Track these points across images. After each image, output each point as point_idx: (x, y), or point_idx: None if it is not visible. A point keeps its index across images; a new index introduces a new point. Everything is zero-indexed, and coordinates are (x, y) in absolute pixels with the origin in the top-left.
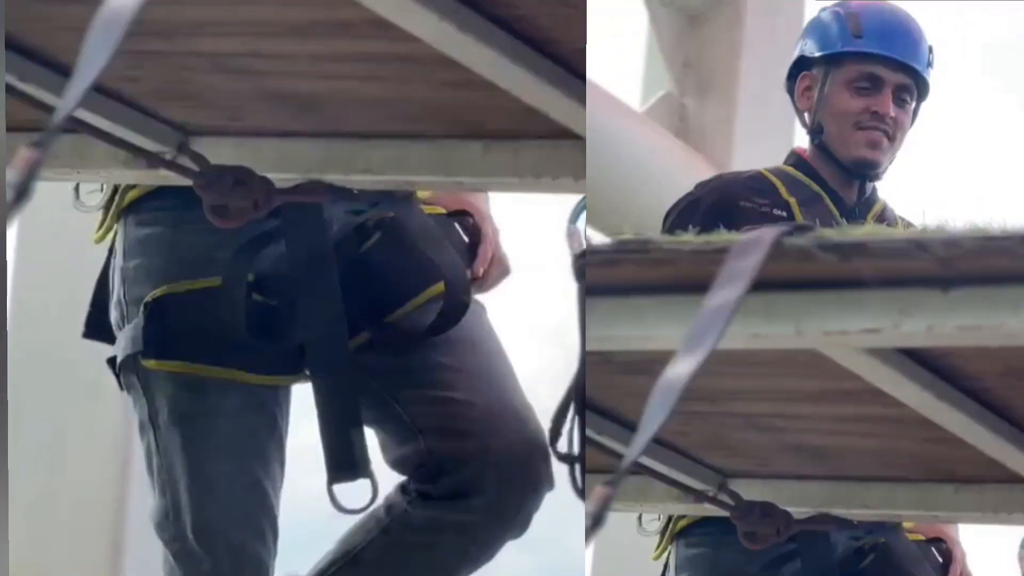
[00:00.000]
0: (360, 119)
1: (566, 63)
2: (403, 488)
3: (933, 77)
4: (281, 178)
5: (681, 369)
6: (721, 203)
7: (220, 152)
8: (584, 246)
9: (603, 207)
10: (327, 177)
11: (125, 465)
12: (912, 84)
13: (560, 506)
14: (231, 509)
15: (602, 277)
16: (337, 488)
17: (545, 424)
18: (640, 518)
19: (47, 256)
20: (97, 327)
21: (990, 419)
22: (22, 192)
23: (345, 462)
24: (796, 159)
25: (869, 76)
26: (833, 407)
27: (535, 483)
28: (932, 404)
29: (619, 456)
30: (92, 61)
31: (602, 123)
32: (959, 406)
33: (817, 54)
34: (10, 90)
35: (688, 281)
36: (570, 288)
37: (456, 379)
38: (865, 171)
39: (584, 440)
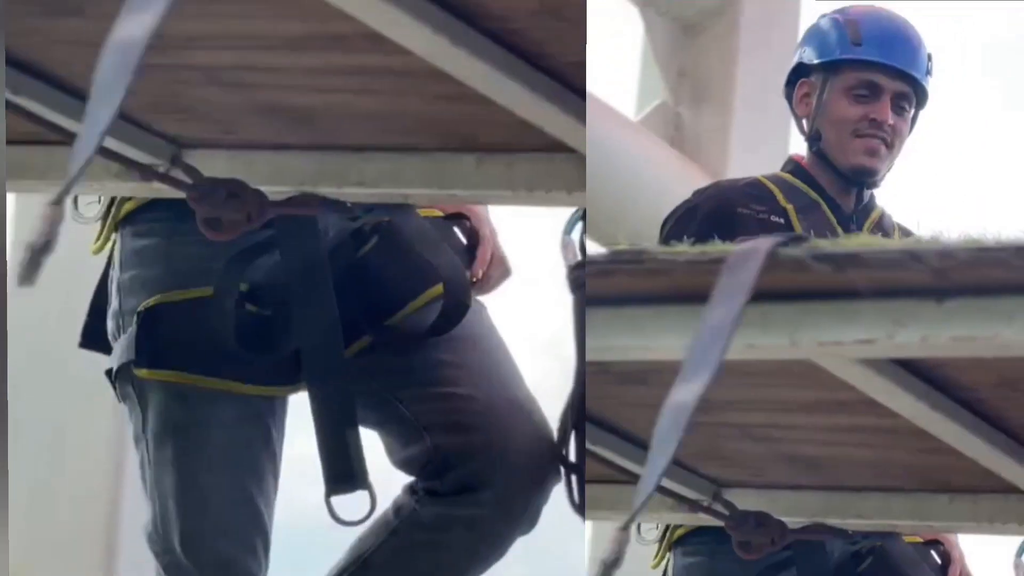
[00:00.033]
0: (354, 132)
1: (560, 76)
2: (411, 488)
3: (932, 84)
4: (274, 191)
5: (686, 395)
6: (719, 210)
7: (213, 165)
8: (579, 257)
9: (598, 217)
10: (320, 190)
11: (119, 471)
12: (911, 92)
13: (559, 517)
14: (221, 522)
15: (598, 287)
16: (335, 500)
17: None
18: (639, 527)
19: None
20: (94, 336)
21: (985, 429)
22: (46, 246)
23: (343, 473)
24: (794, 166)
25: (868, 84)
26: (828, 417)
27: (542, 475)
28: (927, 414)
29: (614, 467)
30: (107, 97)
31: (597, 133)
32: (954, 416)
33: (816, 61)
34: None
35: (684, 291)
36: (565, 299)
37: (458, 375)
38: (863, 178)
39: (583, 452)
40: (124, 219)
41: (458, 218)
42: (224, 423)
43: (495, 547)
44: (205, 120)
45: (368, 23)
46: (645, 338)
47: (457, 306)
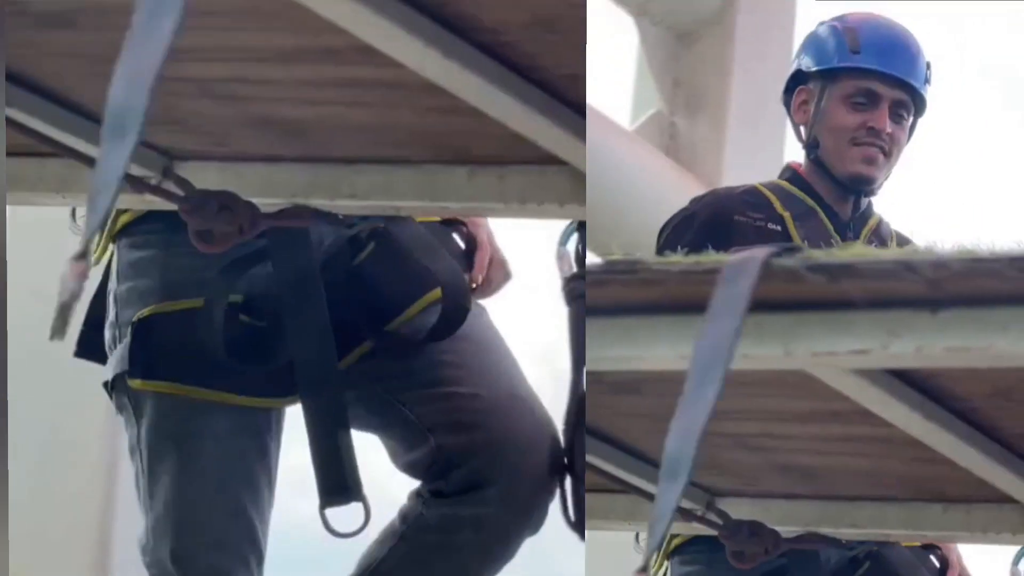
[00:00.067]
0: (346, 144)
1: (552, 89)
2: (416, 494)
3: (930, 93)
4: (266, 203)
5: (693, 422)
6: (716, 218)
7: (205, 177)
8: (574, 269)
9: (592, 226)
10: (312, 202)
11: (111, 480)
12: (909, 100)
13: (557, 530)
14: (214, 535)
15: (592, 298)
16: (330, 512)
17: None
18: (637, 536)
19: (44, 270)
20: (90, 346)
21: (978, 439)
22: (75, 297)
23: (337, 486)
24: (791, 173)
25: (866, 92)
26: (822, 427)
27: (546, 470)
28: (921, 425)
29: (608, 476)
30: (122, 132)
31: (592, 142)
32: (948, 426)
33: (814, 68)
34: None
35: (678, 301)
36: (559, 310)
37: (459, 374)
38: (860, 187)
39: (583, 472)
40: (121, 231)
41: (455, 224)
42: (218, 435)
43: (504, 547)
44: (197, 132)
45: (360, 36)
46: (639, 348)
47: (457, 310)
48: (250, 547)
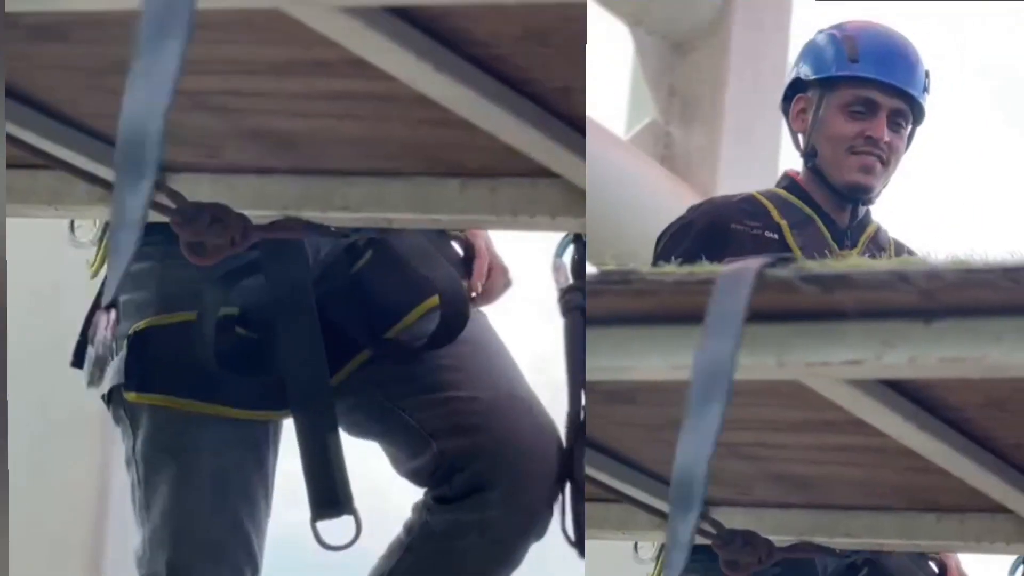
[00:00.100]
0: (338, 157)
1: (544, 102)
2: (420, 504)
3: (929, 101)
4: (258, 215)
5: (701, 446)
6: (713, 226)
7: (197, 189)
8: (570, 280)
9: (587, 235)
10: (304, 214)
11: (103, 492)
12: (907, 109)
13: (555, 543)
14: (209, 547)
15: (586, 308)
16: (321, 524)
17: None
18: (635, 546)
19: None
20: (85, 357)
21: (972, 449)
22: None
23: (329, 499)
24: (789, 182)
25: (864, 100)
26: (816, 437)
27: (548, 471)
28: (914, 434)
29: (602, 486)
30: (139, 164)
31: (587, 151)
32: (941, 437)
33: (812, 77)
34: None
35: (672, 312)
36: (554, 320)
37: (459, 378)
38: (858, 195)
39: (583, 489)
40: None
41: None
42: (214, 447)
43: (509, 552)
44: (189, 144)
45: (352, 49)
46: (633, 358)
47: (456, 317)
48: (246, 558)
